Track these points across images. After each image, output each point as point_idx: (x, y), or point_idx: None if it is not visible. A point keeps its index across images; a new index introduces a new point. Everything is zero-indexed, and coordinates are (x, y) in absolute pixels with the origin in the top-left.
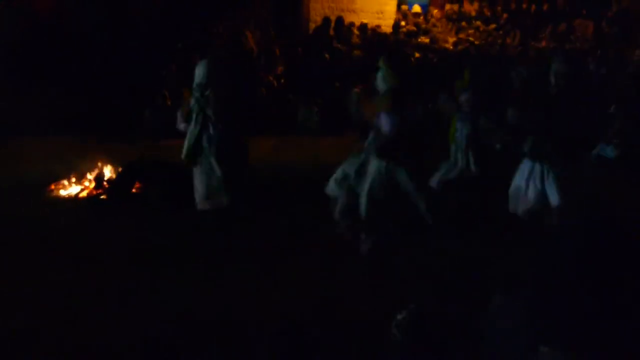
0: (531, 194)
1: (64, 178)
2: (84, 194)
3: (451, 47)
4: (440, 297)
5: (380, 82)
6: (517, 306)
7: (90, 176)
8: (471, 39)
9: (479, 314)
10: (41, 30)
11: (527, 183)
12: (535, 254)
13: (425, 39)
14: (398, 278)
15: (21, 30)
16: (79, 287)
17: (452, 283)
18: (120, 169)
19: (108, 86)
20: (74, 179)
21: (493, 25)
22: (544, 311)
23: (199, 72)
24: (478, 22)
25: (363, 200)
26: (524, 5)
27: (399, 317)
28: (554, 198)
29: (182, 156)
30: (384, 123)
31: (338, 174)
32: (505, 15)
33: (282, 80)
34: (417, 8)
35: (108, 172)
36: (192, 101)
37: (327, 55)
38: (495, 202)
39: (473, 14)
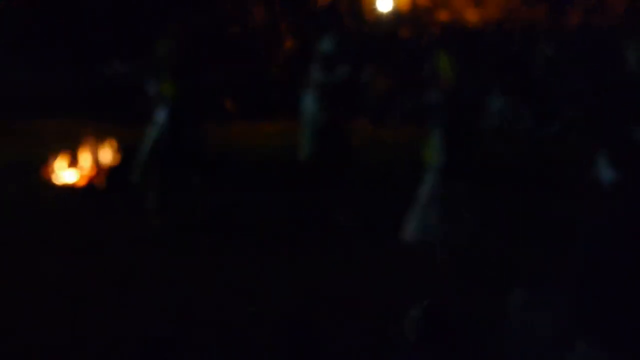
0: None
1: (57, 162)
2: (79, 179)
3: (471, 23)
4: (456, 292)
5: None
6: (538, 301)
7: (84, 161)
8: (493, 13)
9: (498, 309)
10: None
11: None
12: (557, 248)
13: (444, 14)
14: (409, 272)
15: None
16: (72, 286)
17: (468, 277)
18: (117, 154)
19: (105, 63)
20: (67, 164)
21: None
22: (566, 306)
23: None
24: None
25: None
26: None
27: (413, 314)
28: None
29: None
30: None
31: None
32: None
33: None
34: None
35: (104, 156)
36: None
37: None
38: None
39: None
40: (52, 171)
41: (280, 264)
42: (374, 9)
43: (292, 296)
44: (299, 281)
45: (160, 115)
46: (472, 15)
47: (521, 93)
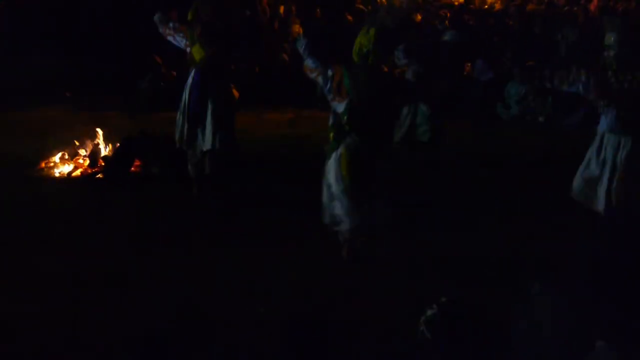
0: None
1: (54, 155)
2: (77, 172)
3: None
4: (473, 291)
5: None
6: (556, 299)
7: (83, 153)
8: None
9: (516, 307)
10: None
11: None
12: (572, 243)
13: None
14: (422, 270)
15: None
16: (73, 280)
17: (485, 275)
18: (117, 145)
19: (102, 49)
20: (66, 156)
21: None
22: (584, 303)
23: None
24: None
25: None
26: None
27: (429, 313)
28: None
29: None
30: None
31: None
32: None
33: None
34: None
35: (104, 148)
36: None
37: (349, 17)
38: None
39: None
40: (49, 163)
41: (282, 262)
42: None
43: (296, 294)
44: (303, 278)
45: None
46: None
47: (542, 80)
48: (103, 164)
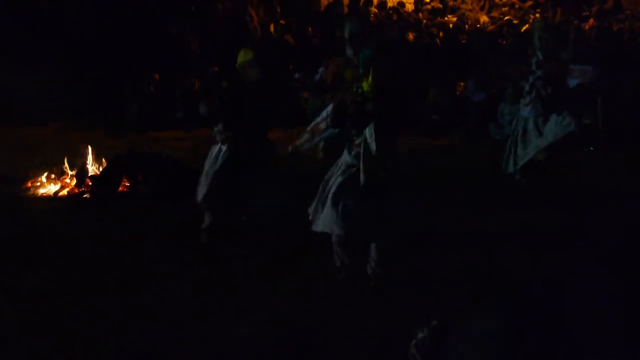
0: None
1: (41, 174)
2: (64, 192)
3: (482, 27)
4: (467, 311)
5: None
6: (554, 321)
7: (71, 172)
8: (508, 17)
9: (512, 329)
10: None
11: None
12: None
13: (452, 18)
14: (415, 288)
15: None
16: (62, 299)
17: (479, 294)
18: (105, 164)
19: (91, 70)
20: (52, 175)
21: (530, 2)
22: (583, 324)
23: None
24: None
25: None
26: None
27: (420, 335)
28: None
29: None
30: None
31: None
32: None
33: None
34: None
35: (91, 167)
36: None
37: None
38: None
39: None
40: (35, 182)
41: (274, 279)
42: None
43: (287, 311)
44: (295, 295)
45: None
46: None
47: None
48: (90, 183)
